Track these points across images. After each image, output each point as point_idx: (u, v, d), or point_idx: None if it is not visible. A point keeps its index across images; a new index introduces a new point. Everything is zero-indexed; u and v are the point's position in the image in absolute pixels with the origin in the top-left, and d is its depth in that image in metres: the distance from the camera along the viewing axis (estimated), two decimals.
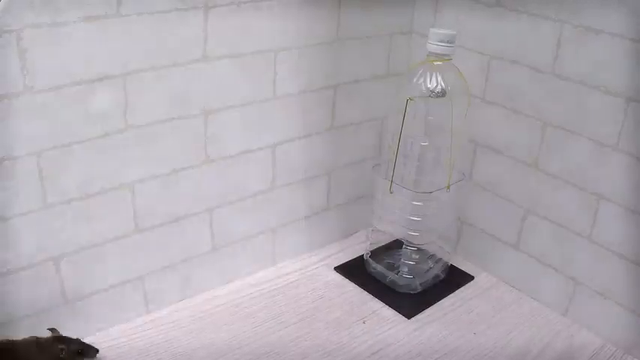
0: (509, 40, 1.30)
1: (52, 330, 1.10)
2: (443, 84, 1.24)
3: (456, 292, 1.42)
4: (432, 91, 1.25)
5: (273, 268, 1.46)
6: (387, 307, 1.35)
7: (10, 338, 1.04)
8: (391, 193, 1.33)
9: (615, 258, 1.22)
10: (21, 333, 1.08)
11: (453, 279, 1.46)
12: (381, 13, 1.41)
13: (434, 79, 1.25)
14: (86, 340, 1.13)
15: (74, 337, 1.10)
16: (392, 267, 1.43)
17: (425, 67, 1.26)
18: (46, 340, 1.07)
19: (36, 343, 1.06)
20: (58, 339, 1.09)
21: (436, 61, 1.24)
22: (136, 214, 1.19)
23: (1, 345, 1.03)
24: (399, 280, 1.41)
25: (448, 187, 1.32)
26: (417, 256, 1.44)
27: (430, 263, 1.45)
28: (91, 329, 1.20)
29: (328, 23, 1.32)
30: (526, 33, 1.26)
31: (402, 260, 1.44)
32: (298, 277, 1.38)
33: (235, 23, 1.18)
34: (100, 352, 1.14)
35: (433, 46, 1.23)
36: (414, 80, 1.26)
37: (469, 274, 1.48)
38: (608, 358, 1.24)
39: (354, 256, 1.50)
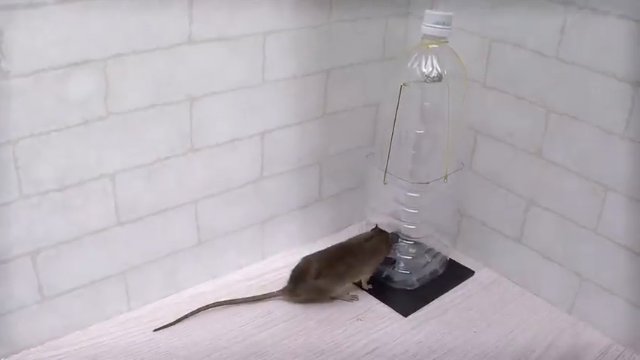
0: (510, 23, 1.31)
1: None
2: (439, 68, 1.25)
3: (455, 288, 1.44)
4: (428, 76, 1.26)
5: (262, 263, 1.48)
6: (383, 304, 1.37)
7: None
8: (385, 184, 1.34)
9: (623, 252, 1.23)
10: None
11: (452, 274, 1.48)
12: None
13: (429, 63, 1.26)
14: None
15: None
16: (388, 262, 1.44)
17: (420, 50, 1.27)
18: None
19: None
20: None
21: (431, 43, 1.26)
22: (118, 205, 1.20)
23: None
24: (395, 275, 1.42)
25: (446, 178, 1.33)
26: (414, 251, 1.45)
27: (428, 258, 1.47)
28: (70, 327, 1.21)
29: (320, 4, 1.33)
30: (529, 15, 1.27)
31: (398, 255, 1.45)
32: (289, 272, 1.38)
33: (222, 4, 1.18)
34: (81, 351, 1.16)
35: (428, 29, 1.24)
36: (409, 65, 1.27)
37: (469, 269, 1.50)
38: (616, 357, 1.25)
39: None
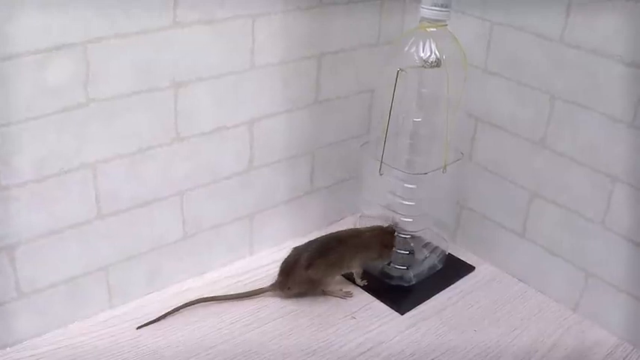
0: (513, 5, 1.31)
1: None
2: (437, 53, 1.26)
3: (455, 284, 1.45)
4: (426, 61, 1.26)
5: (250, 258, 1.49)
6: (378, 301, 1.38)
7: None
8: (381, 174, 1.35)
9: (632, 246, 1.24)
10: None
11: (451, 270, 1.49)
12: None
13: (427, 47, 1.26)
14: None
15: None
16: (385, 260, 1.44)
17: (417, 34, 1.28)
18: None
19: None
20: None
21: (430, 27, 1.26)
22: (99, 197, 1.20)
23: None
24: (392, 271, 1.43)
25: (445, 168, 1.34)
26: (411, 245, 1.46)
27: (426, 252, 1.48)
28: (49, 326, 1.22)
29: None
30: None
31: (393, 249, 1.45)
32: (278, 267, 1.39)
33: None
34: (60, 351, 1.17)
35: (426, 11, 1.25)
36: (406, 49, 1.28)
37: (469, 265, 1.51)
38: (624, 357, 1.26)
39: None
